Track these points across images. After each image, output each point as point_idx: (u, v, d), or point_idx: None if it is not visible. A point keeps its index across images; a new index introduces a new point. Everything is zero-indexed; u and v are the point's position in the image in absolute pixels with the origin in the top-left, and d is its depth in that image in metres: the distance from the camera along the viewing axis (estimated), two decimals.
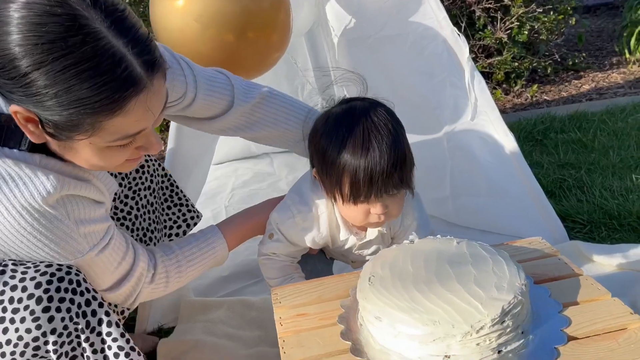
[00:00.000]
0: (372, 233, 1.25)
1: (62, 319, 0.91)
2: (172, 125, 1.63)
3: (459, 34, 1.66)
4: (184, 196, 1.45)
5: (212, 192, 2.36)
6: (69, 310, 0.92)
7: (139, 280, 1.10)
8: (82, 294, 0.94)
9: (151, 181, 1.34)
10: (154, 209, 1.35)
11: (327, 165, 1.13)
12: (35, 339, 0.89)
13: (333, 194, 1.15)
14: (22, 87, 0.79)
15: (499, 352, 0.87)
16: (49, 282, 0.90)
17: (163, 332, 1.54)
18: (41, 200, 0.88)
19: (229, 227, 1.29)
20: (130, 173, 1.29)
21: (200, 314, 1.55)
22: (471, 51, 3.04)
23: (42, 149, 0.92)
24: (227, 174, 2.53)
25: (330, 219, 1.22)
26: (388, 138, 1.09)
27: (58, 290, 0.91)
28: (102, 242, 1.00)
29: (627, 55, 3.83)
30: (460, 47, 1.65)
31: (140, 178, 1.32)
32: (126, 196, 1.29)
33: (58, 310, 0.91)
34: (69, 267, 0.94)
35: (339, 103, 1.19)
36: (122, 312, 1.26)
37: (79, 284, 0.94)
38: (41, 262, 0.93)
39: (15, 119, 0.84)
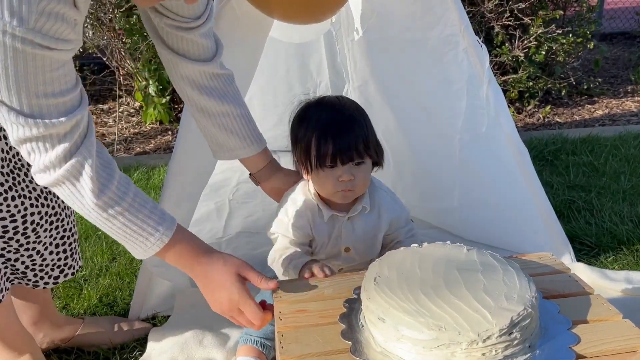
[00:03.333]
0: (355, 212, 1.29)
1: None
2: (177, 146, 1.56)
3: (481, 44, 1.64)
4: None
5: (217, 185, 2.33)
6: None
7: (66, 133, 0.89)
8: None
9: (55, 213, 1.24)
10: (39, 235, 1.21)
11: (299, 138, 1.26)
12: None
13: (306, 166, 1.26)
14: None
15: None
16: None
17: (158, 320, 1.51)
18: None
19: (182, 242, 1.04)
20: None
21: (196, 304, 1.52)
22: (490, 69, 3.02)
23: None
24: (234, 168, 2.50)
25: (308, 200, 1.31)
26: (351, 112, 1.27)
27: None
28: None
29: None
30: (482, 56, 1.63)
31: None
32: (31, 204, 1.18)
33: None
34: None
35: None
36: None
37: None
38: None
39: None
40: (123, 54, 3.28)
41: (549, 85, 3.49)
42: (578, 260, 1.68)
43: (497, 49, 3.32)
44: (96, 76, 3.63)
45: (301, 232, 1.30)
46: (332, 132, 1.22)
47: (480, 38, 3.03)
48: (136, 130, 3.35)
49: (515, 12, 3.24)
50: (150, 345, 1.36)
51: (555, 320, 0.95)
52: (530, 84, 3.40)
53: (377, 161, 1.30)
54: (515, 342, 0.85)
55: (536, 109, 3.50)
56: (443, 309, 0.88)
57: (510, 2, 3.21)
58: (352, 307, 1.02)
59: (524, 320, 0.86)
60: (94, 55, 3.38)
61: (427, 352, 0.85)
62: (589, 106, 3.60)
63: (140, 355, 1.35)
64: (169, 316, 1.51)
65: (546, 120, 3.39)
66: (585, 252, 1.77)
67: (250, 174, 1.39)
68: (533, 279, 1.02)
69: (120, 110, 3.55)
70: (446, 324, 0.85)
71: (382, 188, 1.37)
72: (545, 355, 0.87)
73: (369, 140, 1.26)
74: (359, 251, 1.32)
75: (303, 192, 1.32)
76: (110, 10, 3.26)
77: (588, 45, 3.54)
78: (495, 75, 3.33)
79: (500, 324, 0.84)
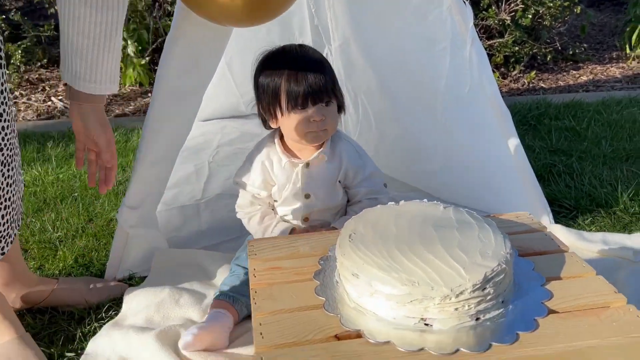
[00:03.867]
0: (313, 157, 1.32)
1: None
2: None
3: (465, 3, 1.60)
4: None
5: (198, 147, 2.30)
6: None
7: None
8: None
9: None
10: None
11: (265, 86, 1.28)
12: None
13: (274, 111, 1.28)
14: None
15: (477, 319, 0.84)
16: None
17: (134, 281, 1.50)
18: None
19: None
20: None
21: (173, 265, 1.51)
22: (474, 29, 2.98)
23: None
24: (214, 130, 2.47)
25: (270, 148, 1.35)
26: (317, 55, 1.32)
27: None
28: None
29: (628, 51, 3.79)
30: (466, 16, 1.59)
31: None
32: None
33: None
34: None
35: None
36: None
37: None
38: None
39: None
40: None
41: (534, 50, 3.47)
42: (556, 222, 1.69)
43: (483, 12, 3.27)
44: None
45: (261, 179, 1.34)
46: (302, 73, 1.24)
47: (467, 1, 2.98)
48: (115, 92, 3.27)
49: None
50: (126, 305, 1.35)
51: (529, 277, 0.95)
52: (516, 48, 3.37)
53: (342, 104, 1.33)
54: (489, 297, 0.85)
55: (521, 74, 3.48)
56: (417, 264, 0.87)
57: None
58: (327, 264, 1.01)
59: (498, 276, 0.86)
60: None
61: (400, 307, 0.84)
62: (574, 72, 3.59)
63: (116, 314, 1.34)
64: (145, 277, 1.49)
65: (531, 85, 3.38)
66: (564, 214, 1.78)
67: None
68: (509, 237, 1.02)
69: None
70: (419, 280, 0.84)
71: (348, 140, 1.39)
72: (518, 311, 0.87)
73: (335, 82, 1.30)
74: (319, 197, 1.35)
75: (267, 141, 1.36)
76: None
77: (575, 10, 3.50)
78: (481, 40, 3.29)
79: (474, 280, 0.83)
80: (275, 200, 1.38)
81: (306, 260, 1.03)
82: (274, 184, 1.36)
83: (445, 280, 0.84)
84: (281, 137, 1.36)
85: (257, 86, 1.31)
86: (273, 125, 1.33)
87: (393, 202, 1.07)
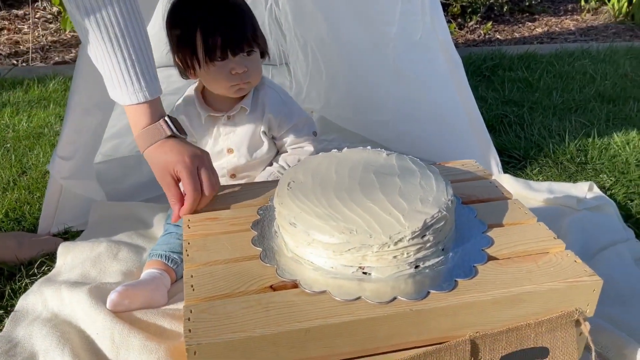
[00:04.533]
0: (234, 110, 1.25)
1: None
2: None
3: None
4: None
5: None
6: None
7: None
8: None
9: None
10: None
11: (179, 38, 1.18)
12: None
13: (192, 64, 1.18)
14: None
15: (416, 267, 0.82)
16: None
17: (70, 235, 1.43)
18: None
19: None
20: None
21: (111, 218, 1.44)
22: None
23: None
24: (160, 79, 2.34)
25: (188, 101, 1.27)
26: (234, 1, 1.19)
27: None
28: None
29: (583, 3, 3.80)
30: None
31: None
32: None
33: None
34: None
35: None
36: None
37: None
38: None
39: None
40: None
41: (491, 1, 3.43)
42: (505, 172, 1.69)
43: None
44: None
45: (190, 138, 1.26)
46: (218, 22, 1.14)
47: None
48: (54, 38, 3.07)
49: None
50: (60, 260, 1.28)
51: (471, 224, 0.94)
52: None
53: (265, 50, 1.25)
54: (428, 244, 0.83)
55: (478, 25, 3.45)
56: (356, 212, 0.83)
57: None
58: (267, 214, 0.97)
59: (438, 223, 0.83)
60: None
61: (338, 256, 0.81)
62: (530, 24, 3.58)
63: (49, 270, 1.27)
64: (82, 231, 1.42)
65: (487, 37, 3.35)
66: (513, 164, 1.79)
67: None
68: (454, 185, 1.00)
69: (37, 16, 3.23)
70: (358, 227, 0.81)
71: (272, 87, 1.30)
72: (458, 258, 0.85)
73: (256, 28, 1.21)
74: (242, 152, 1.28)
75: (186, 95, 1.29)
76: None
77: None
78: None
79: (413, 227, 0.81)
80: None
81: (245, 210, 0.99)
82: (194, 140, 1.28)
83: (384, 228, 0.81)
84: (203, 90, 1.28)
85: (170, 36, 1.21)
86: (191, 77, 1.24)
87: (335, 150, 1.02)
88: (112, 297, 1.08)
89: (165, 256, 1.19)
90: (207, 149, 1.26)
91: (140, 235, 1.39)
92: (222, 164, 1.29)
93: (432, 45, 1.63)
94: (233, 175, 1.31)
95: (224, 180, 1.30)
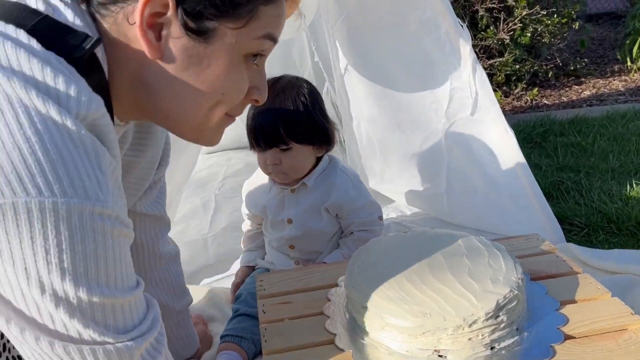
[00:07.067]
0: (297, 185, 1.32)
1: None
2: None
3: (462, 25, 1.61)
4: None
5: (204, 181, 2.30)
6: None
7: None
8: None
9: None
10: None
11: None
12: None
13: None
14: None
15: (492, 348, 0.83)
16: None
17: None
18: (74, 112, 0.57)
19: None
20: None
21: None
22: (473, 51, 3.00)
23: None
24: (220, 162, 2.48)
25: (261, 175, 1.37)
26: (278, 94, 1.23)
27: None
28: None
29: (629, 63, 3.79)
30: (463, 38, 1.60)
31: None
32: None
33: None
34: None
35: None
36: None
37: None
38: None
39: (139, 18, 0.62)
40: None
41: (535, 68, 3.47)
42: (568, 241, 1.66)
43: (482, 32, 3.29)
44: None
45: (256, 208, 1.38)
46: (256, 116, 1.24)
47: (464, 22, 3.01)
48: None
49: None
50: None
51: (543, 301, 0.93)
52: (517, 66, 3.38)
53: (318, 144, 1.28)
54: (502, 325, 0.83)
55: (524, 92, 3.48)
56: (427, 294, 0.85)
57: None
58: (337, 297, 1.00)
59: (510, 302, 0.84)
60: None
61: (413, 340, 0.83)
62: (577, 87, 3.59)
63: None
64: None
65: (534, 102, 3.38)
66: (575, 232, 1.76)
67: None
68: (520, 260, 1.00)
69: None
70: (431, 310, 0.82)
71: (344, 171, 1.36)
72: (534, 337, 0.85)
73: (295, 125, 1.23)
74: (301, 224, 1.33)
75: (258, 169, 1.38)
76: None
77: (573, 26, 3.52)
78: (481, 60, 3.32)
79: (486, 308, 0.82)
80: (259, 224, 1.43)
81: (316, 294, 1.02)
82: (259, 209, 1.37)
83: (458, 309, 0.82)
84: None
85: None
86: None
87: (400, 232, 1.06)
88: None
89: (238, 337, 1.22)
90: (271, 217, 1.35)
91: (210, 317, 1.43)
92: (282, 234, 1.35)
93: (484, 119, 1.68)
94: (292, 247, 1.36)
95: (285, 253, 1.37)
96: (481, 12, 3.23)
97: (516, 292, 0.85)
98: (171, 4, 0.63)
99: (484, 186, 1.76)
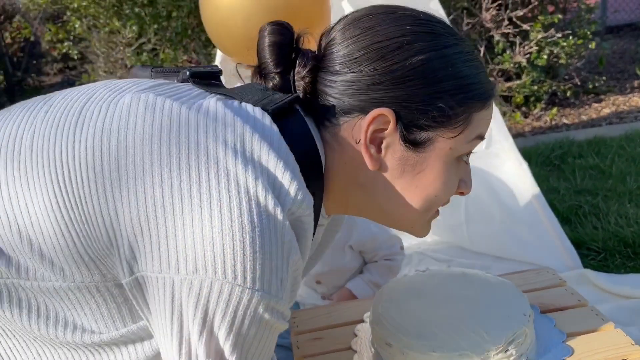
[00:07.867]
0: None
1: None
2: None
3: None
4: None
5: None
6: None
7: None
8: None
9: None
10: None
11: None
12: None
13: None
14: (409, 73, 0.68)
15: None
16: None
17: None
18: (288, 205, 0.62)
19: None
20: None
21: None
22: (490, 75, 3.08)
23: None
24: None
25: None
26: None
27: None
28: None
29: None
30: None
31: None
32: None
33: None
34: None
35: None
36: None
37: None
38: None
39: (363, 136, 0.69)
40: None
41: (553, 88, 3.54)
42: (585, 267, 1.73)
43: (498, 56, 3.38)
44: None
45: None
46: None
47: (481, 47, 3.08)
48: None
49: (514, 19, 3.31)
50: None
51: (551, 333, 1.03)
52: (535, 87, 3.45)
53: None
54: (512, 358, 0.93)
55: (543, 112, 3.55)
56: (443, 330, 0.96)
57: (508, 11, 3.28)
58: (363, 332, 1.10)
59: (519, 337, 0.94)
60: None
61: None
62: (596, 105, 3.64)
63: None
64: None
65: (553, 122, 3.44)
66: (593, 257, 1.82)
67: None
68: (531, 294, 1.10)
69: None
70: (445, 345, 0.93)
71: (370, 228, 1.43)
72: None
73: None
74: (326, 262, 1.41)
75: None
76: (122, 49, 3.43)
77: (590, 46, 3.58)
78: (498, 83, 3.41)
79: (496, 343, 0.92)
80: None
81: (344, 329, 1.13)
82: None
83: (470, 345, 0.92)
84: None
85: None
86: None
87: (419, 270, 1.17)
88: None
89: None
90: None
91: None
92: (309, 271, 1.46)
93: (498, 152, 1.78)
94: (319, 282, 1.47)
95: (312, 288, 1.46)
96: (497, 37, 3.33)
97: (524, 327, 0.95)
98: (392, 120, 0.69)
99: (501, 215, 1.85)
